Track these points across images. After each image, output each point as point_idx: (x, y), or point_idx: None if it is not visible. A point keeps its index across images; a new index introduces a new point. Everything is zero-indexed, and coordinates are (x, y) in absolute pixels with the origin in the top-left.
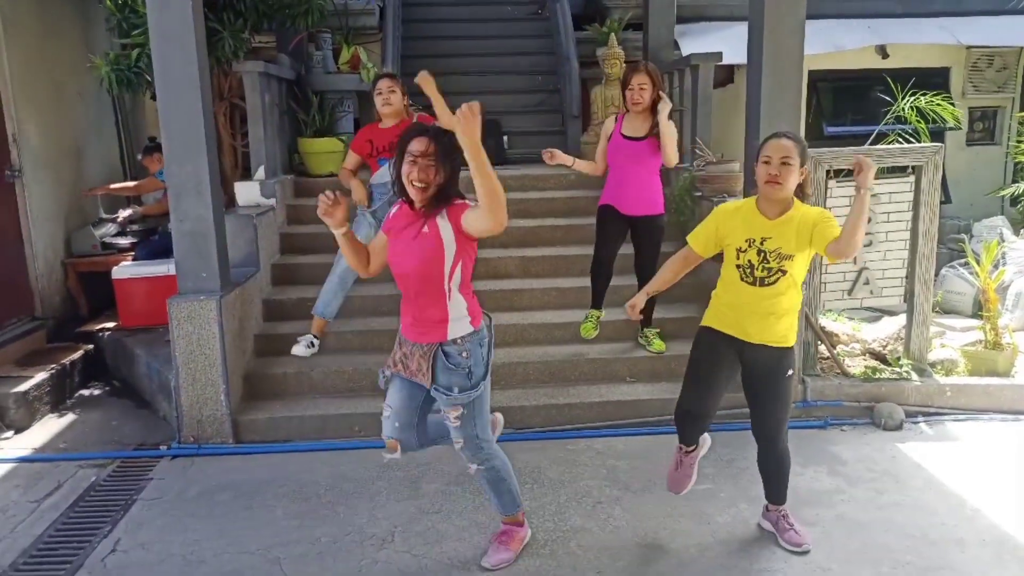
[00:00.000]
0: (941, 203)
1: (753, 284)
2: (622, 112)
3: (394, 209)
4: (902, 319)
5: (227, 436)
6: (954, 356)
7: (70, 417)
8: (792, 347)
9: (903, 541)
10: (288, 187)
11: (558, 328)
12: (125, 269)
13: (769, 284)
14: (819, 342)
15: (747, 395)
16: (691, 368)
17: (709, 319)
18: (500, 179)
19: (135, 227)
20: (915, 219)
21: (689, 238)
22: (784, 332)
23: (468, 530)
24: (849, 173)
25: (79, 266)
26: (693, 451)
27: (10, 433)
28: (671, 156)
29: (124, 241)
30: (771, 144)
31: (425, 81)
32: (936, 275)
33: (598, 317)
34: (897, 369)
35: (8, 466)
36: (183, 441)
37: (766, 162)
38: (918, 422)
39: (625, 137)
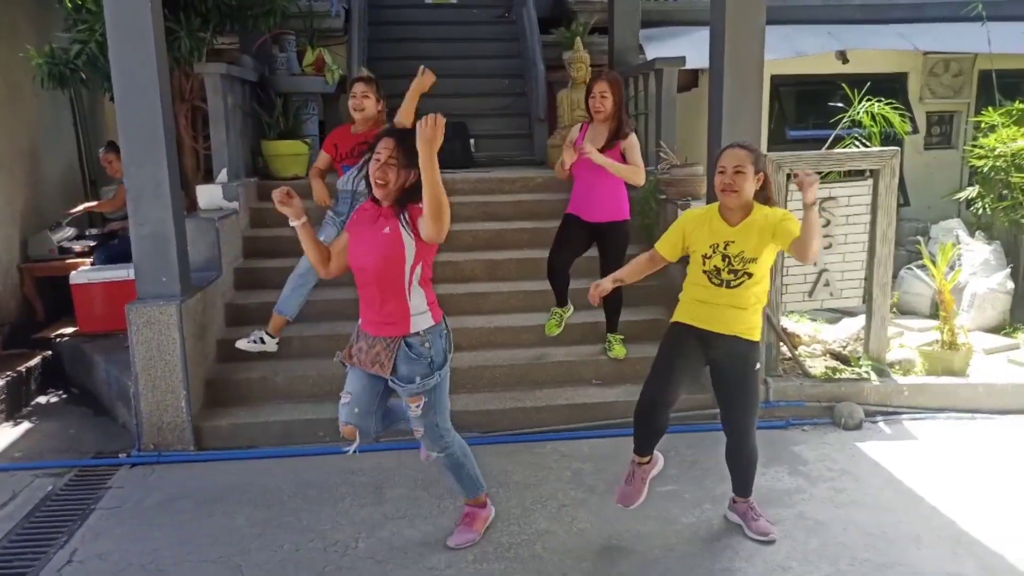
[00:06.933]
0: (899, 206)
1: (721, 286)
2: (587, 121)
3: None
4: (862, 320)
5: (188, 443)
6: (912, 356)
7: (26, 425)
8: (759, 342)
9: (861, 539)
10: (251, 190)
11: (525, 331)
12: (83, 274)
13: (735, 286)
14: (781, 343)
15: (717, 393)
16: (657, 358)
17: (679, 315)
18: (466, 182)
19: (94, 231)
20: (873, 222)
21: (657, 246)
22: (752, 323)
23: (433, 535)
24: None
25: (36, 271)
26: (647, 463)
27: None
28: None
29: (81, 246)
30: (726, 154)
31: (427, 79)
32: (895, 276)
33: (561, 315)
34: (857, 369)
35: None
36: (143, 449)
37: (721, 172)
38: (877, 421)
39: None
